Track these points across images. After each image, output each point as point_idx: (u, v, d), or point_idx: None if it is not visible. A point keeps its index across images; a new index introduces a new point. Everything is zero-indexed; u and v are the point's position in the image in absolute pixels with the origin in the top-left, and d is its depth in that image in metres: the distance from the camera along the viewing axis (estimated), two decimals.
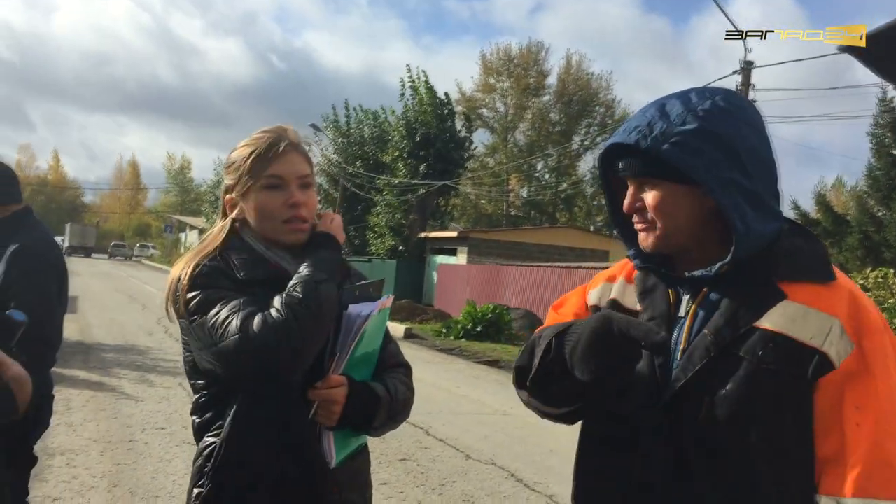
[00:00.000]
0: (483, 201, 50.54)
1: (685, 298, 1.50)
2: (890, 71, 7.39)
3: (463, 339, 17.05)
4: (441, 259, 28.48)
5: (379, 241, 31.87)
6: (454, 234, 29.36)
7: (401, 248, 30.60)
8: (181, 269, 1.73)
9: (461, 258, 27.49)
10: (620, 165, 1.50)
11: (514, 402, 9.88)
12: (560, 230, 32.73)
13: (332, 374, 1.66)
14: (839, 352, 1.33)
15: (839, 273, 1.43)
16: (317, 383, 1.63)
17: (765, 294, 1.40)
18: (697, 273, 1.47)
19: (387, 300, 1.74)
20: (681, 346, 1.46)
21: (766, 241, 1.43)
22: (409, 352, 16.26)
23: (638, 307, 1.57)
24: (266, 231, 1.77)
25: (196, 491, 1.71)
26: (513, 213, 51.12)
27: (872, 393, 1.31)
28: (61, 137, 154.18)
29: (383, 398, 1.73)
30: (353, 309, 1.65)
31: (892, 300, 11.24)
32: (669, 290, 1.54)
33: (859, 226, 19.46)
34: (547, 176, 52.80)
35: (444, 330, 18.08)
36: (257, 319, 1.56)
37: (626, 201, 1.50)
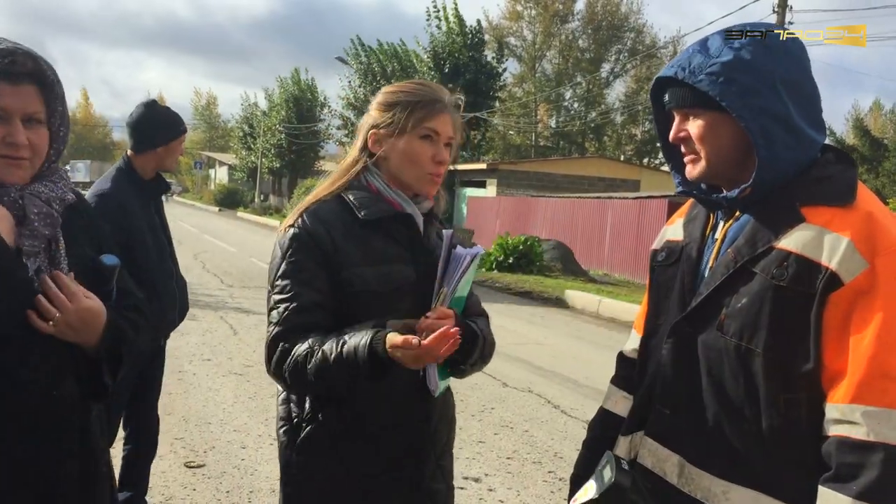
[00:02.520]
0: (511, 132, 50.00)
1: (721, 222, 1.62)
2: None
3: (495, 271, 17.19)
4: (470, 191, 28.47)
5: None
6: (483, 165, 29.23)
7: None
8: (292, 217, 1.85)
9: (490, 190, 27.47)
10: (666, 98, 1.60)
11: (547, 333, 10.06)
12: (590, 160, 32.45)
13: (440, 306, 1.77)
14: (849, 269, 1.38)
15: (863, 196, 1.47)
16: (427, 313, 1.74)
17: (785, 217, 1.48)
18: (724, 195, 1.57)
19: (481, 249, 1.85)
20: (709, 265, 1.59)
21: (797, 168, 1.50)
22: None
23: (681, 237, 1.70)
24: (404, 175, 1.87)
25: (289, 419, 1.87)
26: (541, 143, 50.58)
27: (879, 308, 1.36)
28: (82, 75, 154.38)
29: (479, 335, 1.87)
30: (461, 249, 1.77)
31: None
32: (710, 216, 1.66)
33: None
34: (576, 105, 52.03)
35: None
36: (281, 350, 1.74)
37: (672, 132, 1.60)
